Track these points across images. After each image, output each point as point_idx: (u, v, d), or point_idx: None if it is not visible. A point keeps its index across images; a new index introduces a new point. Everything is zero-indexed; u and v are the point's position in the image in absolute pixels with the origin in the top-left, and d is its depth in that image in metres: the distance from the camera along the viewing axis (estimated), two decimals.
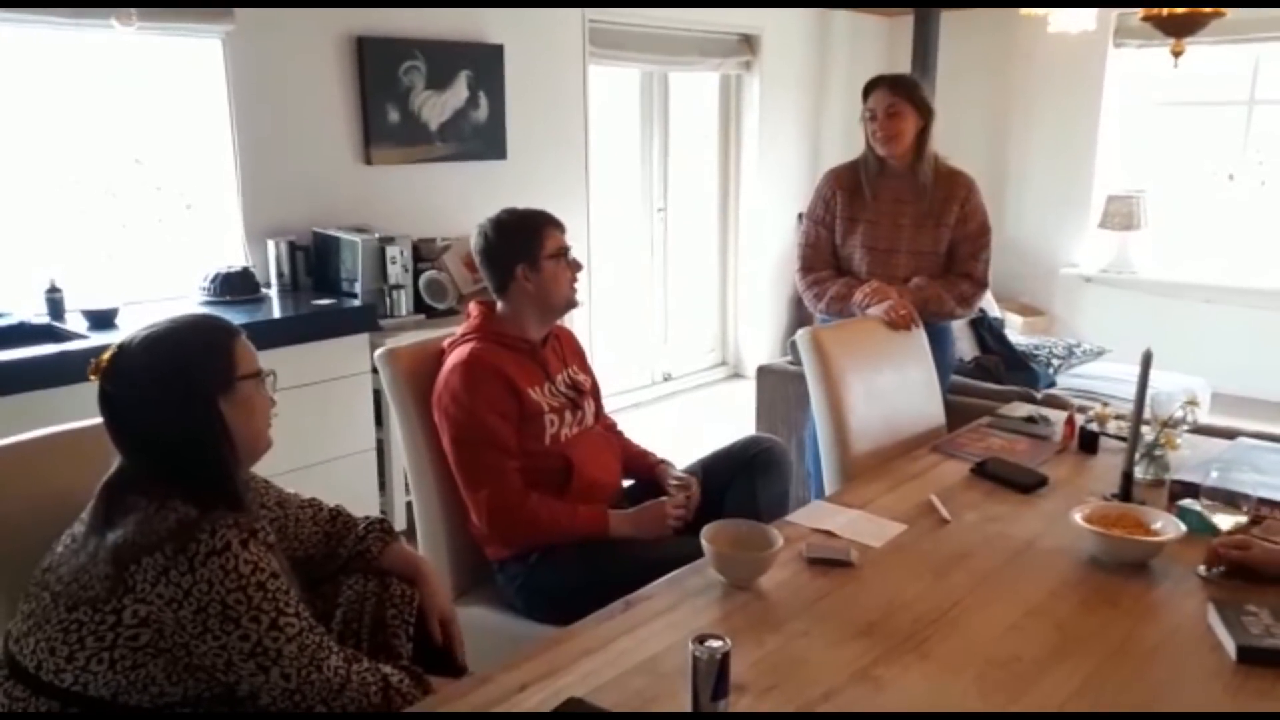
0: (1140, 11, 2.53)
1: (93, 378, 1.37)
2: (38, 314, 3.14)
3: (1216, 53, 5.23)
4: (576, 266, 2.21)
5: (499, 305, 2.22)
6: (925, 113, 2.86)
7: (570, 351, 2.33)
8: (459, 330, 2.21)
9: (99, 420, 1.57)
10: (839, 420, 2.43)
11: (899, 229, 2.91)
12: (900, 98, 2.82)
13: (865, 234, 2.93)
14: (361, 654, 1.46)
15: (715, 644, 1.28)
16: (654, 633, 1.53)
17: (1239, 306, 5.49)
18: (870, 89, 2.88)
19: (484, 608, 2.15)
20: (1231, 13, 2.54)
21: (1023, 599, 1.65)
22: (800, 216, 3.12)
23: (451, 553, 2.20)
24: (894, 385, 2.62)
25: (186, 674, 1.31)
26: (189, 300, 3.42)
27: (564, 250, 2.18)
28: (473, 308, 2.23)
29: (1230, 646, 1.46)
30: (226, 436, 1.38)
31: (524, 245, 2.14)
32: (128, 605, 1.27)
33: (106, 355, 1.37)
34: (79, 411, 1.65)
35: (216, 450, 1.37)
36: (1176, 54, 2.48)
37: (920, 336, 2.78)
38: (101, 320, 3.08)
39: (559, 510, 2.07)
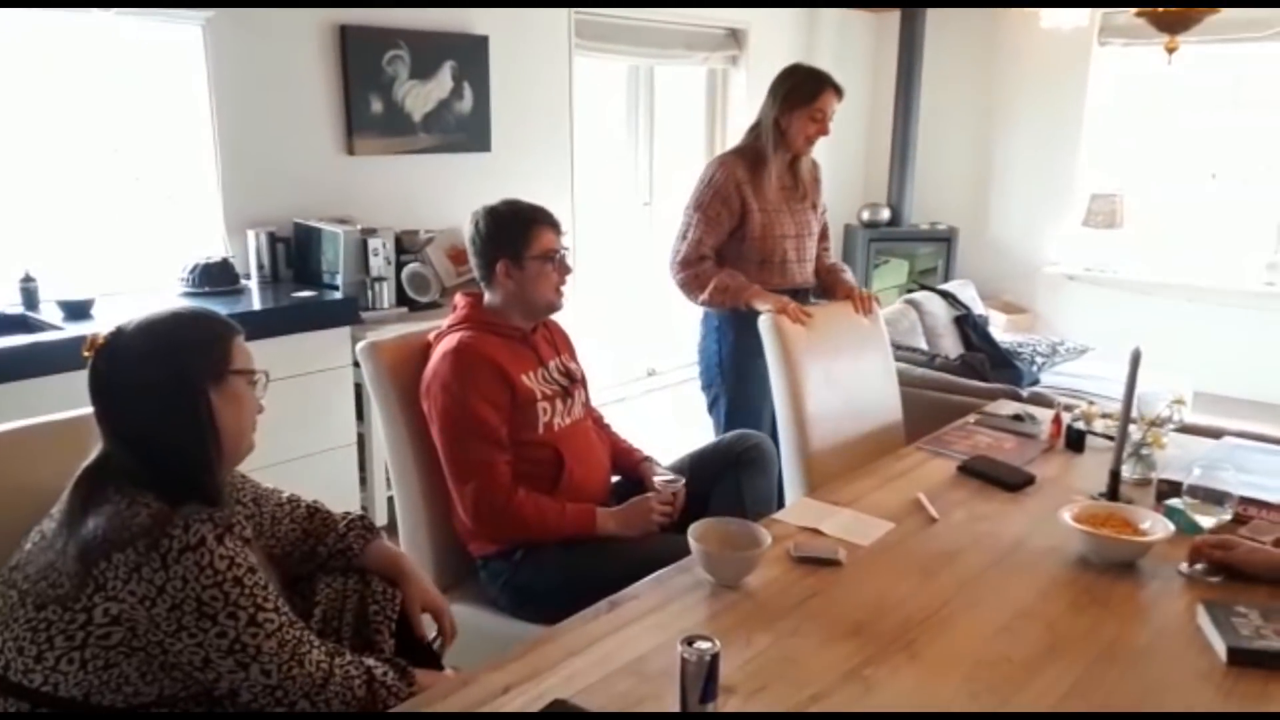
0: (1132, 9, 2.53)
1: (87, 354, 1.35)
2: (11, 304, 3.08)
3: (1200, 52, 5.25)
4: (565, 270, 2.16)
5: (486, 296, 2.18)
6: None
7: (560, 340, 2.31)
8: (445, 322, 2.17)
9: (72, 414, 1.55)
10: (797, 403, 2.48)
11: (794, 213, 2.98)
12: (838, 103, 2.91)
13: (773, 223, 2.92)
14: (344, 648, 1.44)
15: (704, 645, 1.26)
16: (641, 633, 1.51)
17: (1221, 306, 5.52)
18: (819, 91, 2.85)
19: (467, 605, 2.12)
20: (1216, 13, 2.54)
21: (1012, 599, 1.64)
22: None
23: (434, 549, 2.17)
24: (851, 372, 2.69)
25: (161, 673, 1.28)
26: (167, 291, 3.36)
27: (553, 252, 2.13)
28: (459, 299, 2.20)
29: (1220, 648, 1.45)
30: (211, 426, 1.35)
31: (510, 240, 2.11)
32: (98, 603, 1.23)
33: (104, 334, 1.36)
34: (52, 404, 1.61)
35: (199, 439, 1.34)
36: (1170, 50, 2.49)
37: (880, 326, 2.86)
38: (77, 311, 3.02)
39: (546, 507, 2.04)
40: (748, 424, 2.77)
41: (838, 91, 2.88)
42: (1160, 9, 2.36)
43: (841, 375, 2.63)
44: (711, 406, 3.12)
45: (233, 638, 1.25)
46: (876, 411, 2.74)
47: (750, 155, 2.93)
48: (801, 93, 2.85)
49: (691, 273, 2.90)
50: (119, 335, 1.36)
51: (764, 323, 2.54)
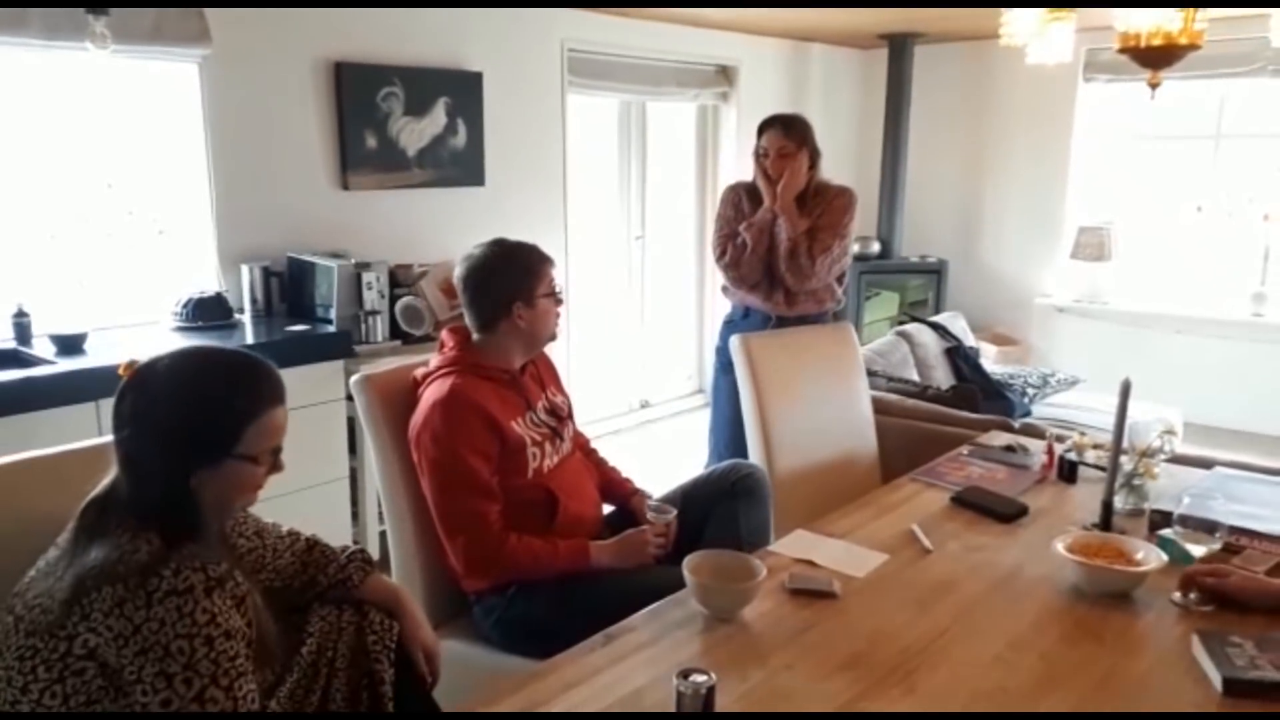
0: (1114, 45, 2.58)
1: (121, 374, 1.36)
2: (4, 339, 3.08)
3: (1184, 88, 5.33)
4: (560, 303, 2.20)
5: (476, 335, 2.18)
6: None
7: (546, 373, 2.31)
8: (434, 361, 2.16)
9: (66, 447, 1.55)
10: (763, 420, 2.59)
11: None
12: (792, 140, 3.24)
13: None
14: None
15: (700, 679, 1.26)
16: (636, 666, 1.50)
17: (1209, 337, 5.56)
18: (761, 131, 3.30)
19: (460, 641, 2.10)
20: (1197, 49, 2.59)
21: (1007, 630, 1.63)
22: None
23: (426, 584, 2.16)
24: (819, 395, 2.77)
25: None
26: (160, 325, 3.37)
27: (556, 288, 2.18)
28: (446, 336, 2.18)
29: (1216, 679, 1.45)
30: (209, 492, 1.35)
31: (523, 282, 2.12)
32: (80, 633, 1.22)
33: (140, 361, 1.36)
34: (45, 439, 1.61)
35: (190, 498, 1.33)
36: (1153, 85, 2.53)
37: (855, 350, 2.95)
38: (70, 345, 3.02)
39: (539, 549, 2.03)
40: (714, 445, 3.34)
41: (783, 128, 3.26)
42: (1142, 44, 2.41)
43: (812, 399, 2.72)
44: None
45: (175, 707, 1.21)
46: (848, 436, 2.81)
47: (753, 187, 3.39)
48: (758, 137, 3.32)
49: (732, 252, 3.36)
50: (149, 370, 1.35)
51: (734, 342, 2.66)
